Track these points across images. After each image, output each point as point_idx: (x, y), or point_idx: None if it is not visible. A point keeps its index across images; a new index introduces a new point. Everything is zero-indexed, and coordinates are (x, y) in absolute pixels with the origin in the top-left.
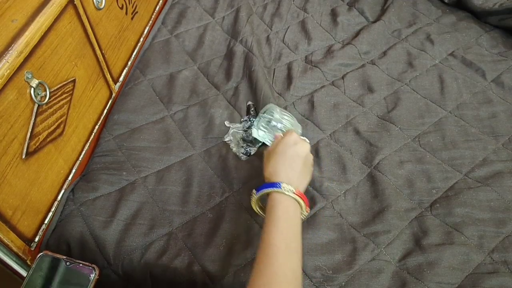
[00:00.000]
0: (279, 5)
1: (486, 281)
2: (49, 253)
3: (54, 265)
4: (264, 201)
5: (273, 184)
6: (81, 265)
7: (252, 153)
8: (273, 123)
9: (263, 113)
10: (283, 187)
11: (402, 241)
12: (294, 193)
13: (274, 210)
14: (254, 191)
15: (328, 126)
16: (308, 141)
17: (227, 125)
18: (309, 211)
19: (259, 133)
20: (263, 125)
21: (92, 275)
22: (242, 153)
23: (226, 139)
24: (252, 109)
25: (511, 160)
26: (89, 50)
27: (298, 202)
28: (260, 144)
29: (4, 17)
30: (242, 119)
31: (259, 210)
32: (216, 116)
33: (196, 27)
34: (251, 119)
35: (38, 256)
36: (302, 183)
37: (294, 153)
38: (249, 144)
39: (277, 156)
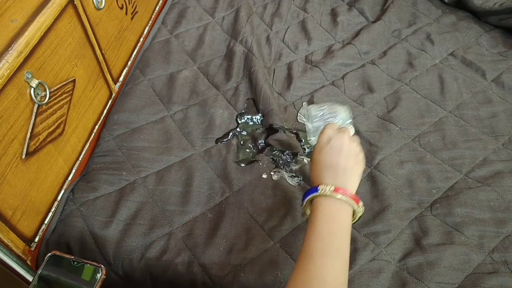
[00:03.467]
0: (279, 5)
1: (486, 281)
2: (58, 253)
3: (62, 264)
4: None
5: (312, 190)
6: (88, 264)
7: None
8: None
9: (308, 120)
10: (320, 189)
11: (402, 241)
12: (335, 192)
13: (313, 214)
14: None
15: None
16: (351, 127)
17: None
18: (361, 206)
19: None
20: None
21: (99, 275)
22: (297, 182)
23: (289, 180)
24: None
25: (511, 160)
26: (89, 50)
27: (345, 201)
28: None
29: (4, 17)
30: (285, 153)
31: None
32: (216, 116)
33: (196, 27)
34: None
35: (47, 256)
36: (349, 179)
37: (330, 150)
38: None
39: (316, 159)
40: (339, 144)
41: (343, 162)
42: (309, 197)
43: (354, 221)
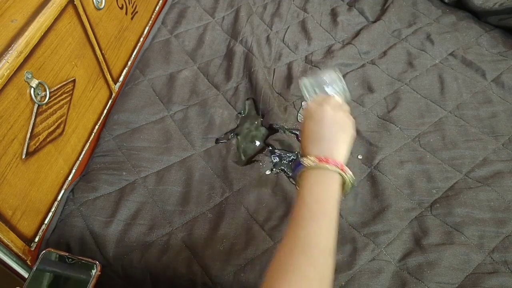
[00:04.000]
0: (279, 5)
1: (486, 281)
2: (52, 250)
3: (57, 261)
4: None
5: (299, 166)
6: (83, 261)
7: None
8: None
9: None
10: (303, 161)
11: (402, 241)
12: (319, 163)
13: (301, 187)
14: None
15: None
16: (342, 93)
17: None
18: (348, 173)
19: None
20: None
21: (94, 271)
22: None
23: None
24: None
25: (511, 160)
26: (89, 50)
27: (330, 170)
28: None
29: (4, 17)
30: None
31: None
32: (216, 116)
33: (196, 27)
34: (286, 154)
35: (42, 253)
36: (334, 148)
37: (312, 122)
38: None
39: (302, 134)
40: (321, 114)
41: (326, 132)
42: (297, 173)
43: (346, 191)
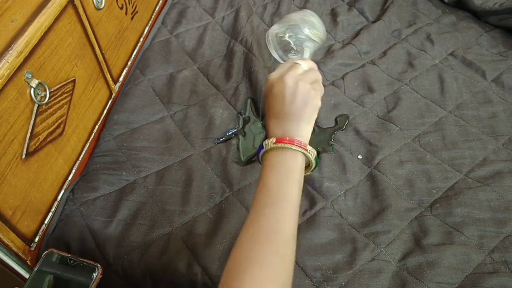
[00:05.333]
0: (279, 5)
1: (486, 281)
2: (55, 251)
3: (59, 262)
4: None
5: (260, 148)
6: (85, 263)
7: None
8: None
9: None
10: (265, 145)
11: (402, 241)
12: (277, 143)
13: (262, 168)
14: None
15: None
16: (305, 64)
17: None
18: (310, 151)
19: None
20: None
21: (95, 274)
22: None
23: None
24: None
25: (511, 160)
26: (89, 50)
27: (291, 149)
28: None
29: (4, 17)
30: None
31: None
32: (216, 116)
33: (196, 27)
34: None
35: (44, 253)
36: (295, 125)
37: (272, 98)
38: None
39: (266, 109)
40: (282, 89)
41: (287, 109)
42: (260, 155)
43: (309, 170)
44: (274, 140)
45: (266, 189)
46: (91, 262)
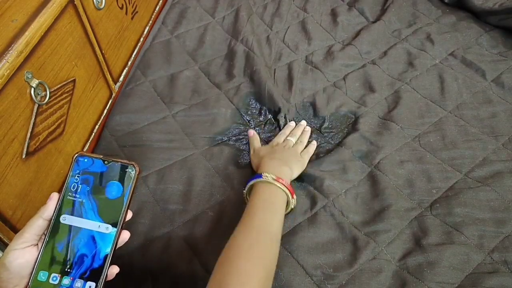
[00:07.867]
0: (279, 5)
1: (486, 281)
2: (85, 153)
3: (91, 165)
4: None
5: (256, 176)
6: (119, 163)
7: None
8: None
9: None
10: (264, 176)
11: (402, 240)
12: (276, 180)
13: (253, 197)
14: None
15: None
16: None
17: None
18: (294, 199)
19: None
20: None
21: (134, 172)
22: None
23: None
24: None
25: (511, 160)
26: (89, 50)
27: (282, 189)
28: None
29: (4, 17)
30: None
31: None
32: (218, 115)
33: (196, 27)
34: None
35: (73, 158)
36: (288, 172)
37: (277, 146)
38: None
39: (263, 152)
40: (286, 144)
41: (285, 156)
42: (251, 182)
43: (286, 212)
44: (274, 176)
45: (260, 201)
46: (126, 161)
